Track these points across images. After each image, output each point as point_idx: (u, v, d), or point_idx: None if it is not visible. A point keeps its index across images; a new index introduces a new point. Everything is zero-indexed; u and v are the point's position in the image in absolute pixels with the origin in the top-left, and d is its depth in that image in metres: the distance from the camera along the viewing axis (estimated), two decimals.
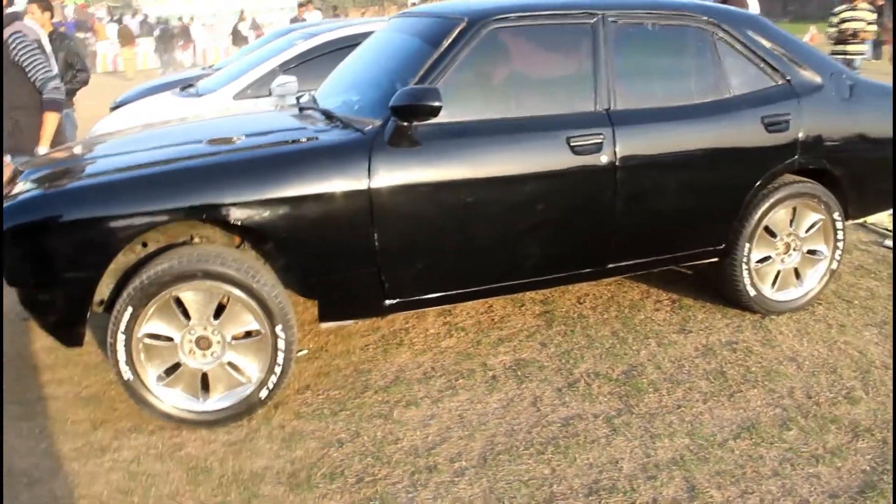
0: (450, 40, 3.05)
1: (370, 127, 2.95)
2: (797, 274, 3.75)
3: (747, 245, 3.53)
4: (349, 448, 2.78)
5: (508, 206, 3.06)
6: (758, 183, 3.46)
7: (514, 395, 3.09)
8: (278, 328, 2.84)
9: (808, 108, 3.50)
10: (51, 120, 3.96)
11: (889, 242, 4.62)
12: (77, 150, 3.41)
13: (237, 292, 2.78)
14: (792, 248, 3.70)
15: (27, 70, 3.94)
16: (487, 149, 3.00)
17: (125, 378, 2.77)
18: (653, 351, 3.41)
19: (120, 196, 2.68)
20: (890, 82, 3.91)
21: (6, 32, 3.93)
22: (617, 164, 3.16)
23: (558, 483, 2.55)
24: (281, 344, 2.86)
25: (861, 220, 4.80)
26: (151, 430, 2.89)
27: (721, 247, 3.54)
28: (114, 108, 6.38)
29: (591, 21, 3.23)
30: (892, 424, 2.82)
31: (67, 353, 3.43)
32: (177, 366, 2.85)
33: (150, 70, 19.70)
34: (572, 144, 3.08)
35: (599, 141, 3.12)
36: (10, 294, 2.89)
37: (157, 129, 3.63)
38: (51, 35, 5.27)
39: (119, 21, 20.52)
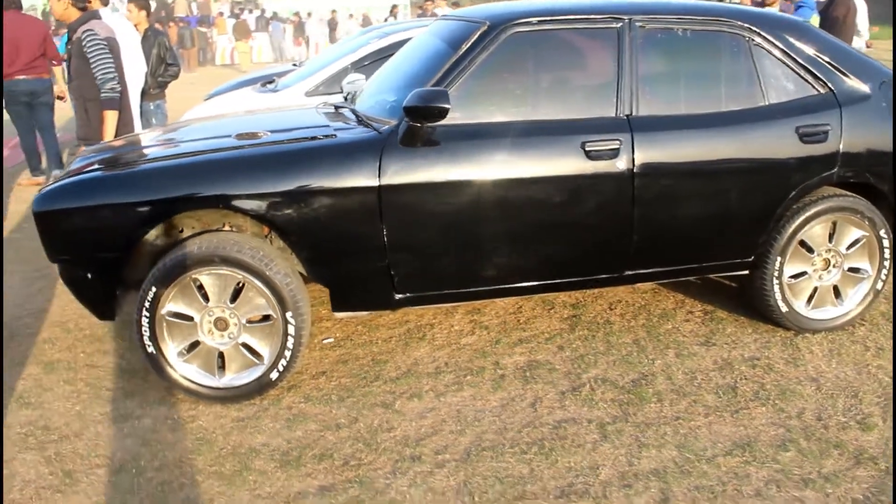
0: (469, 43, 3.13)
1: (386, 127, 3.08)
2: (837, 292, 3.58)
3: (779, 259, 3.41)
4: (345, 433, 2.92)
5: (520, 209, 3.11)
6: (791, 195, 3.34)
7: (516, 394, 3.14)
8: (288, 314, 3.01)
9: (850, 119, 3.34)
10: (109, 117, 4.32)
11: None
12: (127, 141, 3.71)
13: (251, 278, 2.98)
14: (832, 265, 3.54)
15: (92, 67, 4.29)
16: (500, 150, 3.06)
17: (148, 351, 3.02)
18: (669, 361, 3.37)
19: (140, 184, 2.93)
20: None
21: (80, 29, 4.30)
22: (635, 170, 3.14)
23: (533, 483, 2.60)
24: (291, 329, 3.03)
25: None
26: (173, 403, 3.14)
27: (750, 259, 3.44)
28: (207, 99, 6.81)
29: (617, 26, 3.22)
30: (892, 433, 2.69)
31: (118, 327, 3.75)
32: (196, 343, 3.07)
33: (264, 63, 20.66)
34: (587, 149, 3.09)
35: (616, 147, 3.11)
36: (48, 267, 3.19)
37: (203, 122, 3.90)
38: (145, 32, 5.72)
39: (237, 16, 21.61)
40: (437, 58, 3.22)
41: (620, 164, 3.12)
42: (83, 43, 4.25)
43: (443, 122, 3.02)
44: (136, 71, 5.22)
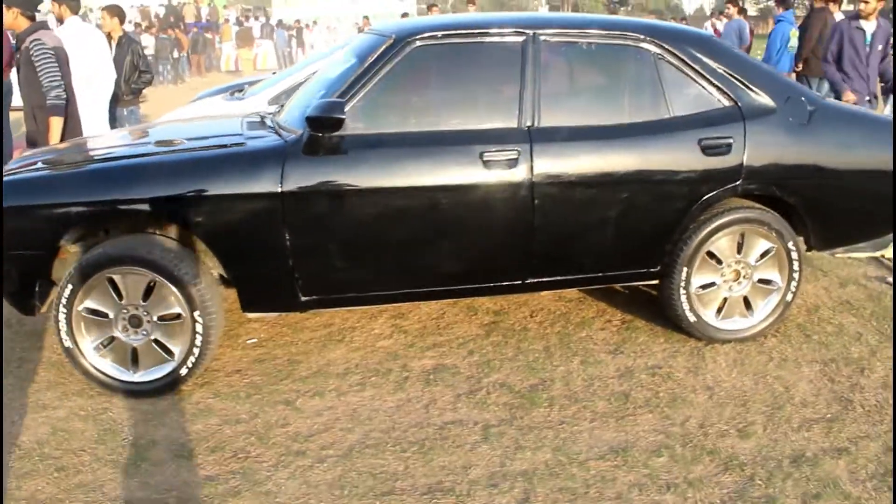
0: (375, 56, 3.26)
1: (293, 136, 3.22)
2: (749, 303, 3.64)
3: (685, 269, 3.49)
4: (242, 427, 3.05)
5: (419, 217, 3.23)
6: (694, 207, 3.41)
7: (414, 396, 3.25)
8: (196, 313, 3.16)
9: (754, 133, 3.41)
10: (54, 123, 4.51)
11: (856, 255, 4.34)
12: (64, 146, 3.89)
13: (160, 278, 3.13)
14: (742, 276, 3.60)
15: (38, 75, 4.48)
16: (400, 160, 3.18)
17: (65, 346, 3.19)
18: (572, 368, 3.46)
19: (58, 187, 3.10)
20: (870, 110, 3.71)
21: (28, 39, 4.50)
22: (534, 179, 3.24)
23: (403, 480, 2.71)
24: (199, 328, 3.18)
25: (878, 255, 4.57)
26: (91, 395, 3.29)
27: (656, 269, 3.52)
28: (191, 103, 7.02)
29: (521, 40, 3.32)
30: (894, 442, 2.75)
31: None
32: (112, 339, 3.23)
33: (267, 70, 20.96)
34: (485, 159, 3.20)
35: (514, 157, 3.22)
36: None
37: (133, 130, 4.08)
38: (119, 39, 5.94)
39: (240, 23, 21.96)
40: (346, 70, 3.36)
41: (519, 173, 3.23)
42: (31, 52, 4.45)
43: (346, 132, 3.15)
44: (105, 77, 5.42)
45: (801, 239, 3.66)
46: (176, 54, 17.16)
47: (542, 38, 3.34)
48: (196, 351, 3.20)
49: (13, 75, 5.14)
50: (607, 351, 3.61)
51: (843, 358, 3.51)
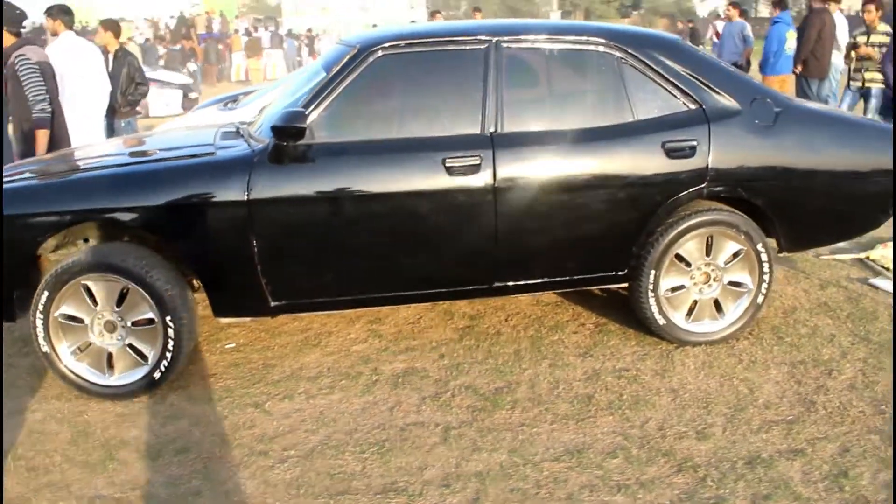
0: (339, 66, 3.33)
1: (260, 146, 3.30)
2: (719, 306, 3.65)
3: (653, 272, 3.51)
4: (211, 429, 3.13)
5: (385, 223, 3.29)
6: (660, 210, 3.44)
7: (380, 399, 3.31)
8: (168, 318, 3.24)
9: (719, 135, 3.43)
10: (39, 136, 4.66)
11: (876, 281, 4.31)
12: (46, 159, 4.01)
13: (133, 285, 3.22)
14: (712, 279, 3.61)
15: (24, 89, 4.62)
16: (364, 168, 3.24)
17: (43, 350, 3.29)
18: (540, 371, 3.49)
19: (34, 197, 3.21)
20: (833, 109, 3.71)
21: (14, 55, 4.64)
22: (496, 185, 3.29)
23: (360, 480, 2.76)
24: (171, 332, 3.26)
25: (863, 256, 4.55)
26: (69, 399, 3.39)
27: (624, 272, 3.55)
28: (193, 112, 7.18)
29: (483, 47, 3.38)
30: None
31: None
32: (88, 344, 3.33)
33: (278, 80, 21.05)
34: (447, 165, 3.25)
35: (476, 163, 3.27)
36: None
37: (113, 140, 4.19)
38: (116, 52, 6.09)
39: (249, 34, 22.19)
40: (313, 79, 3.44)
41: (481, 179, 3.27)
42: (16, 67, 4.59)
43: (311, 140, 3.23)
44: (99, 90, 5.56)
45: (772, 241, 3.66)
46: (192, 66, 17.41)
47: (505, 45, 3.39)
48: (168, 355, 3.29)
49: None
50: (577, 354, 3.64)
51: (812, 360, 3.51)
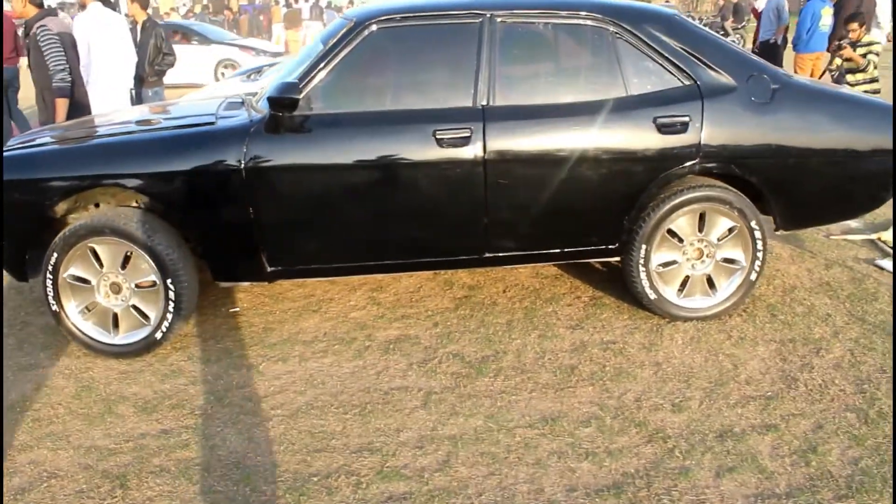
0: (335, 39, 3.40)
1: (258, 116, 3.40)
2: (712, 282, 3.66)
3: (644, 247, 3.53)
4: (205, 388, 3.27)
5: (376, 192, 3.37)
6: (650, 185, 3.45)
7: (370, 363, 3.41)
8: (169, 281, 3.39)
9: (713, 111, 3.41)
10: (59, 104, 4.84)
11: (882, 262, 4.25)
12: (62, 126, 4.17)
13: (136, 248, 3.37)
14: (705, 255, 3.62)
15: (45, 59, 4.78)
16: (357, 138, 3.32)
17: (53, 309, 3.47)
18: (529, 341, 3.55)
19: (45, 164, 3.36)
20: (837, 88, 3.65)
21: (35, 25, 4.80)
22: (486, 157, 3.34)
23: (338, 439, 2.88)
24: (171, 294, 3.41)
25: (874, 237, 4.49)
26: (78, 356, 3.58)
27: (615, 246, 3.58)
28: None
29: (477, 21, 3.41)
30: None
31: None
32: (94, 304, 3.50)
33: None
34: (438, 137, 3.31)
35: (467, 135, 3.32)
36: None
37: (130, 110, 4.33)
38: (143, 24, 6.25)
39: (288, 5, 22.23)
40: (312, 52, 3.51)
41: (471, 151, 3.33)
42: (38, 38, 4.76)
43: (307, 111, 3.32)
44: (125, 60, 5.72)
45: (769, 218, 3.65)
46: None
47: (499, 19, 3.42)
48: (169, 317, 3.44)
49: (23, 60, 5.47)
50: (568, 326, 3.69)
51: (802, 338, 3.50)
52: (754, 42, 9.65)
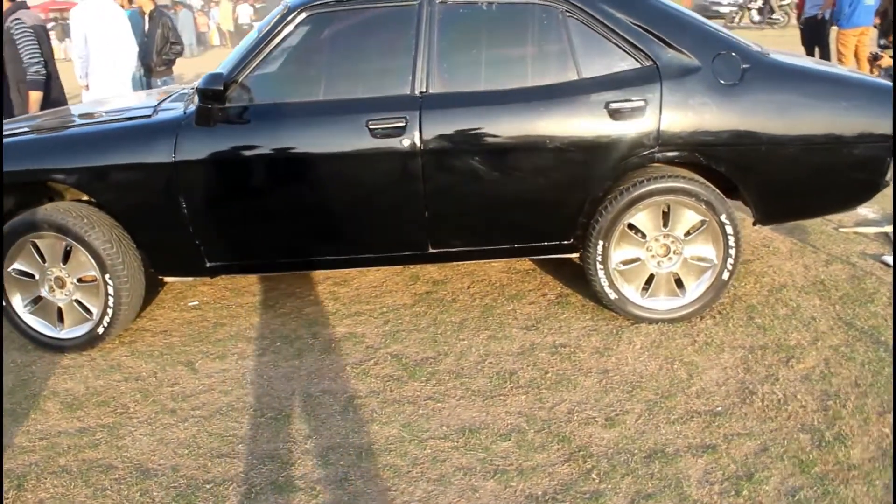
0: (269, 26, 3.26)
1: (192, 107, 3.29)
2: (680, 282, 3.36)
3: (601, 243, 3.26)
4: (137, 384, 3.22)
5: (311, 187, 3.22)
6: (605, 175, 3.18)
7: (306, 364, 3.29)
8: (107, 276, 3.34)
9: (673, 94, 3.10)
10: (32, 97, 4.88)
11: (888, 258, 3.83)
12: (13, 120, 4.16)
13: (74, 243, 3.33)
14: (672, 252, 3.33)
15: (19, 52, 4.80)
16: (286, 130, 3.17)
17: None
18: (475, 343, 3.35)
19: None
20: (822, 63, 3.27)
21: (10, 18, 4.83)
22: (423, 147, 3.14)
23: (246, 444, 2.76)
24: (110, 290, 3.36)
25: (889, 230, 4.08)
26: (27, 351, 3.57)
27: (569, 242, 3.33)
28: None
29: (415, 3, 3.20)
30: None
31: None
32: (40, 298, 3.49)
33: None
34: (371, 127, 3.13)
35: (401, 125, 3.12)
36: None
37: (82, 104, 4.32)
38: (151, 13, 6.26)
39: None
40: (248, 41, 3.38)
41: (406, 141, 3.13)
42: (12, 31, 4.79)
43: (237, 102, 3.20)
44: (125, 51, 5.73)
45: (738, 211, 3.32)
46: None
47: (439, 0, 3.19)
48: (110, 312, 3.39)
49: None
50: (523, 326, 3.47)
51: (775, 345, 3.17)
52: (798, 18, 8.99)
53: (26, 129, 3.50)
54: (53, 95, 4.97)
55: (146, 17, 6.28)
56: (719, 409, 2.78)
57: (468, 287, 3.90)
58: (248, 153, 3.19)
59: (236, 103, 3.21)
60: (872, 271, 3.76)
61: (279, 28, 3.22)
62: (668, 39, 3.15)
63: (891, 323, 3.25)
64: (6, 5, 4.86)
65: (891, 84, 3.22)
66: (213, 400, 3.06)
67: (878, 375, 2.91)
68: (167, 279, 3.60)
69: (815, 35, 8.22)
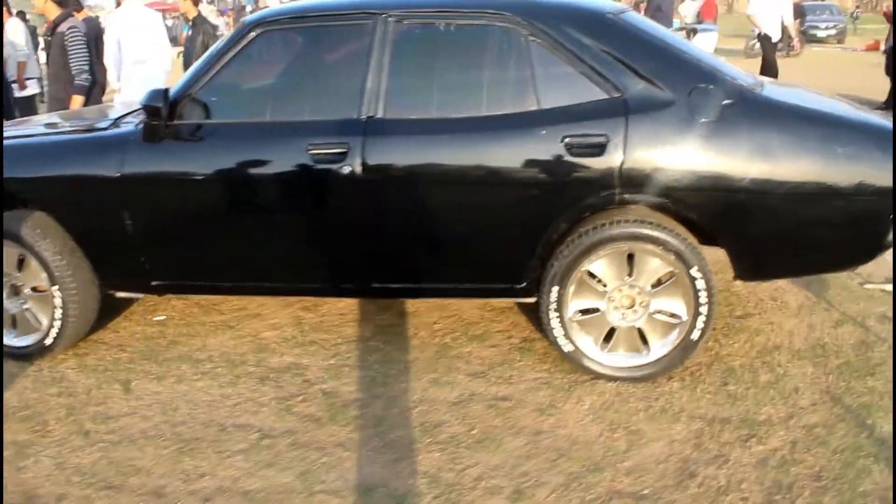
0: (222, 43, 3.15)
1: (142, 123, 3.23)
2: (646, 338, 3.03)
3: (556, 289, 2.97)
4: (67, 401, 3.15)
5: (252, 211, 3.10)
6: (559, 217, 2.89)
7: (238, 393, 3.14)
8: (55, 288, 3.32)
9: (640, 130, 2.78)
10: (75, 101, 5.01)
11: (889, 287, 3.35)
12: (26, 122, 4.22)
13: (26, 252, 3.33)
14: (638, 304, 3.00)
15: (69, 58, 4.93)
16: (231, 151, 3.06)
17: None
18: (415, 387, 3.12)
19: None
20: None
21: (65, 25, 4.97)
22: (364, 176, 2.94)
23: (140, 477, 2.63)
24: (58, 302, 3.34)
25: None
26: None
27: (522, 286, 3.05)
28: None
29: (369, 23, 3.01)
30: None
31: None
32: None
33: None
34: (311, 153, 2.96)
35: (343, 150, 2.94)
36: None
37: (62, 113, 4.35)
38: (193, 20, 6.35)
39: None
40: (206, 56, 3.28)
41: (347, 168, 2.94)
42: (65, 38, 4.98)
43: (185, 120, 3.12)
44: (158, 57, 5.79)
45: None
46: None
47: (393, 20, 2.99)
48: (57, 324, 3.36)
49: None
50: (471, 373, 3.20)
51: (741, 419, 2.79)
52: (886, 43, 8.23)
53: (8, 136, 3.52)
54: (92, 100, 5.18)
55: (190, 24, 6.38)
56: (646, 491, 2.44)
57: (434, 322, 3.66)
58: (190, 172, 3.09)
59: (185, 120, 3.12)
60: (886, 338, 3.28)
61: (233, 44, 3.10)
62: (639, 69, 2.83)
63: (885, 402, 2.80)
64: (53, 10, 5.03)
65: None
66: (131, 425, 2.96)
67: (848, 468, 2.49)
68: (119, 294, 3.53)
69: None
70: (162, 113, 3.01)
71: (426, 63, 3.03)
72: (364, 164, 2.93)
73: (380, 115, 2.97)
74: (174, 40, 11.57)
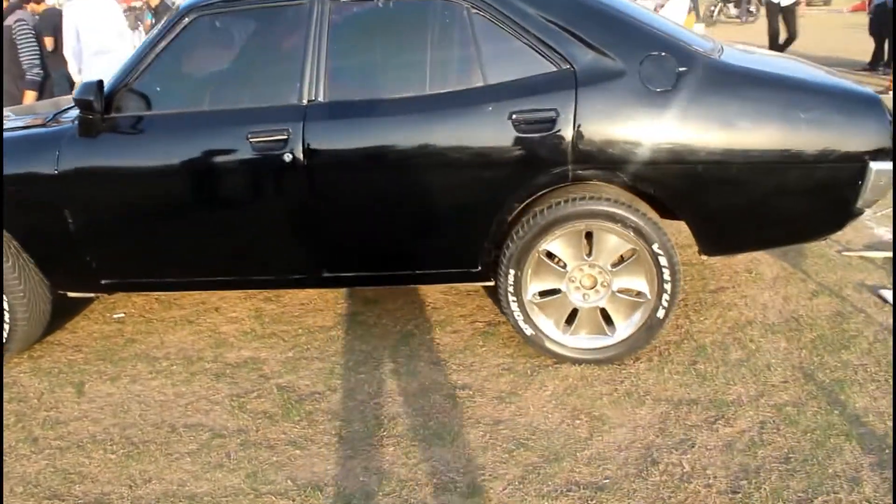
0: (157, 30, 3.01)
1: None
2: (610, 318, 2.92)
3: (513, 272, 2.86)
4: (18, 407, 3.06)
5: (194, 203, 2.97)
6: (511, 197, 2.76)
7: (192, 391, 3.05)
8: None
9: (589, 102, 2.65)
10: (27, 96, 4.89)
11: (886, 292, 3.22)
12: None
13: None
14: (600, 284, 2.88)
15: (19, 52, 4.80)
16: (170, 142, 2.93)
17: None
18: (374, 378, 3.02)
19: None
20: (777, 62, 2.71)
21: (12, 18, 4.81)
22: (306, 163, 2.82)
23: (85, 484, 2.54)
24: (5, 305, 3.24)
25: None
26: None
27: (477, 270, 2.93)
28: None
29: (305, 3, 2.86)
30: None
31: None
32: None
33: None
34: (251, 140, 2.84)
35: (283, 137, 2.81)
36: None
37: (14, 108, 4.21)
38: (156, 8, 6.19)
39: None
40: (140, 46, 3.14)
41: (288, 156, 2.82)
42: (14, 31, 4.84)
43: (121, 112, 2.99)
44: (118, 48, 5.64)
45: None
46: None
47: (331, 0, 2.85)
48: (6, 327, 3.27)
49: None
50: (433, 361, 3.10)
51: (708, 400, 2.68)
52: (868, 5, 8.03)
53: None
54: (47, 93, 5.05)
55: (152, 12, 6.22)
56: (606, 481, 2.34)
57: (397, 309, 3.56)
58: (129, 167, 2.97)
59: (123, 112, 2.99)
60: (863, 308, 3.16)
61: (168, 31, 2.96)
62: (588, 39, 2.68)
63: (859, 376, 2.69)
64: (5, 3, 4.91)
65: (869, 92, 2.65)
66: (80, 429, 2.87)
67: (818, 448, 2.39)
68: (71, 295, 3.43)
69: (884, 25, 7.32)
70: (95, 106, 2.88)
71: (366, 43, 2.89)
72: (306, 151, 2.81)
73: (321, 98, 2.84)
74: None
